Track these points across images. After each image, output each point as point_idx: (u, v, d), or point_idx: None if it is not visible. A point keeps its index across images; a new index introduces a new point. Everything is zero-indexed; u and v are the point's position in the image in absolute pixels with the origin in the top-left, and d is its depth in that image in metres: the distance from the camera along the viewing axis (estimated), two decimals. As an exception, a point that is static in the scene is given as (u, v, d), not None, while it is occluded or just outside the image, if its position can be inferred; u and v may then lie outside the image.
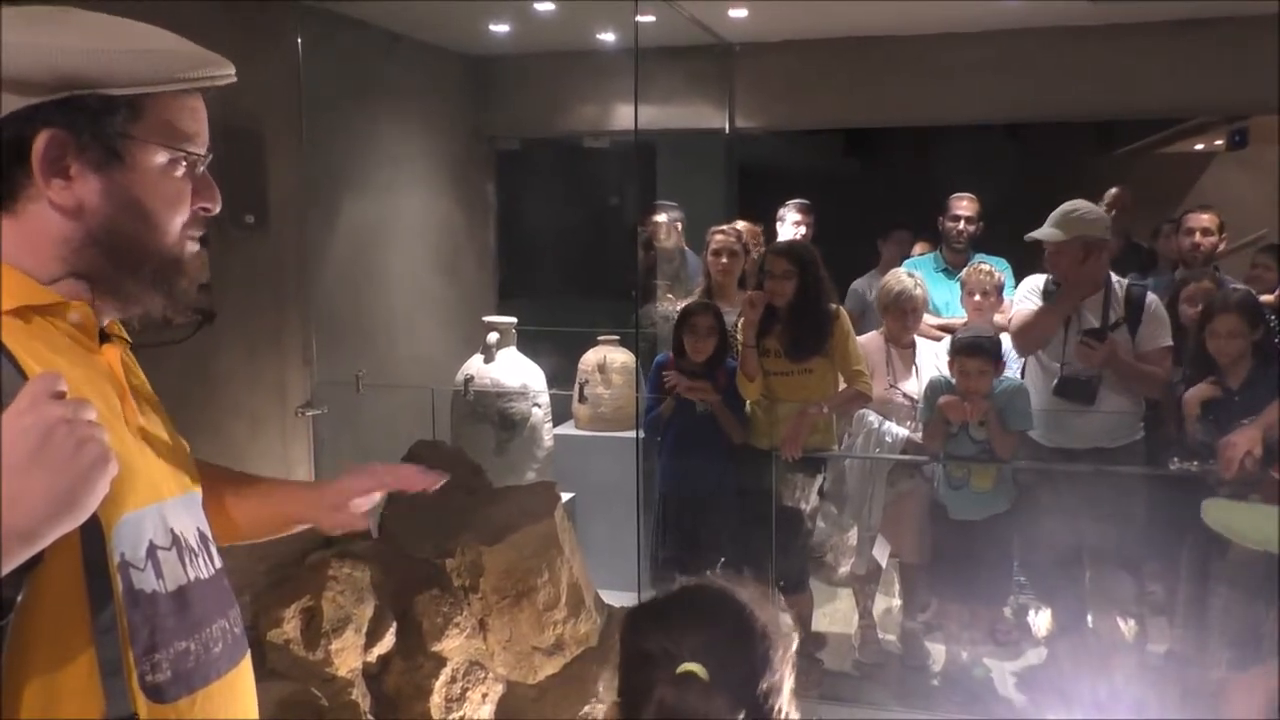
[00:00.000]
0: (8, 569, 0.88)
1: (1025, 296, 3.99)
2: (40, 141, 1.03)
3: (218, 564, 1.21)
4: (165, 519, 1.12)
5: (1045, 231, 3.78)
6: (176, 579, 1.11)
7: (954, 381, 3.82)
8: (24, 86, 1.02)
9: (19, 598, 0.94)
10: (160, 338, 1.33)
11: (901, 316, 4.18)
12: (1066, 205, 3.83)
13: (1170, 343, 3.82)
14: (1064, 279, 3.82)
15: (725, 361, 4.09)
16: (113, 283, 1.11)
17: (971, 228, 4.89)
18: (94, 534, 1.00)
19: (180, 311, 1.18)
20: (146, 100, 1.08)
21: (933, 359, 4.17)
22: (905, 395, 4.16)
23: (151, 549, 1.08)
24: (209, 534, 1.22)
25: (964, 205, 4.91)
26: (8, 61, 1.01)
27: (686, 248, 5.48)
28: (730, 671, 1.19)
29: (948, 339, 4.09)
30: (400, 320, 5.57)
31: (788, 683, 1.26)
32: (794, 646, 1.29)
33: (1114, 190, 5.32)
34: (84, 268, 1.09)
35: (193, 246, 1.17)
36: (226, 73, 1.15)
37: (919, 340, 4.28)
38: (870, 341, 4.20)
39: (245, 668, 1.22)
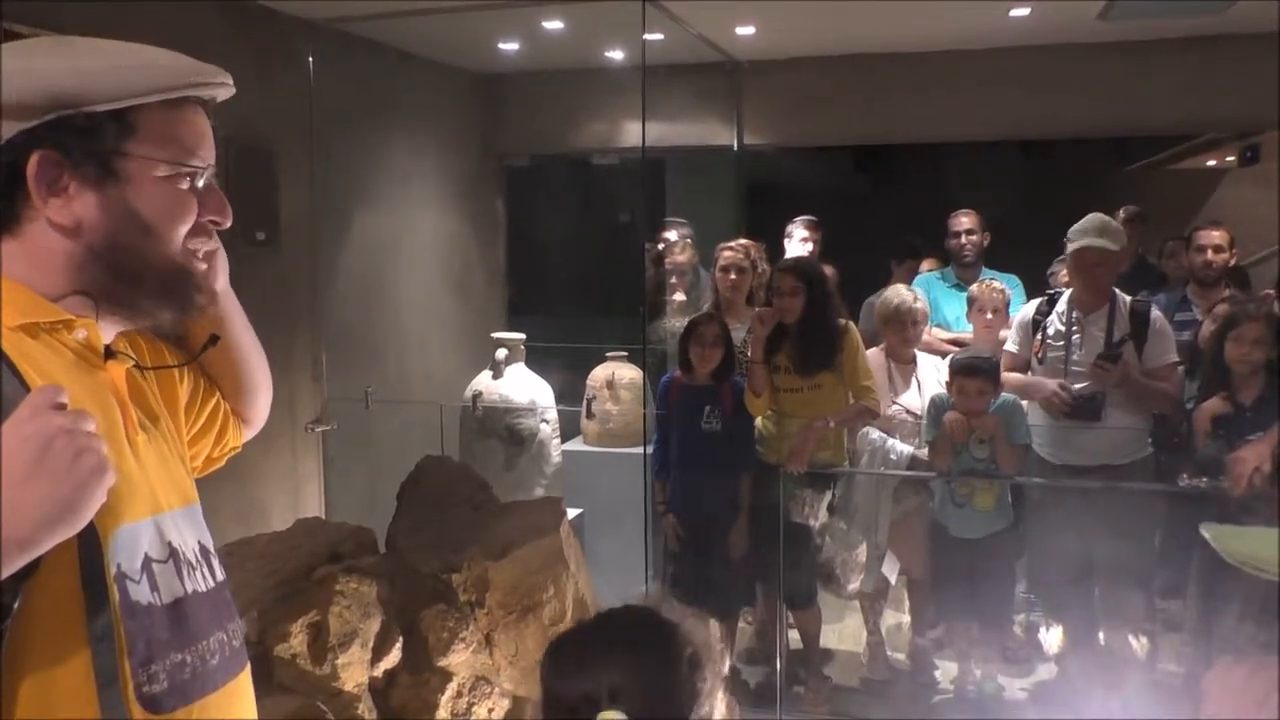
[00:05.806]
0: (4, 575, 0.90)
1: (1014, 330, 4.06)
2: (32, 162, 1.05)
3: (219, 577, 1.22)
4: (163, 532, 1.13)
5: (1098, 242, 3.73)
6: (172, 592, 1.12)
7: (953, 402, 3.83)
8: (17, 111, 1.04)
9: (15, 605, 0.95)
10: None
11: (901, 330, 4.17)
12: (1098, 217, 3.82)
13: (1177, 358, 3.81)
14: (1086, 286, 3.80)
15: (733, 378, 4.09)
16: (118, 296, 1.13)
17: (974, 238, 4.93)
18: (91, 544, 1.01)
19: (193, 315, 1.19)
20: (139, 114, 1.09)
21: (934, 373, 4.16)
22: (907, 411, 4.15)
23: (146, 562, 1.09)
24: (211, 547, 1.23)
25: (963, 220, 4.99)
26: (2, 90, 1.04)
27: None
28: (656, 708, 1.16)
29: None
30: (410, 336, 5.60)
31: (719, 707, 1.24)
32: (725, 668, 1.26)
33: (1129, 209, 5.33)
34: (89, 284, 1.11)
35: (200, 263, 1.17)
36: (217, 81, 1.15)
37: (920, 355, 4.27)
38: (872, 358, 4.19)
39: (244, 680, 1.22)
